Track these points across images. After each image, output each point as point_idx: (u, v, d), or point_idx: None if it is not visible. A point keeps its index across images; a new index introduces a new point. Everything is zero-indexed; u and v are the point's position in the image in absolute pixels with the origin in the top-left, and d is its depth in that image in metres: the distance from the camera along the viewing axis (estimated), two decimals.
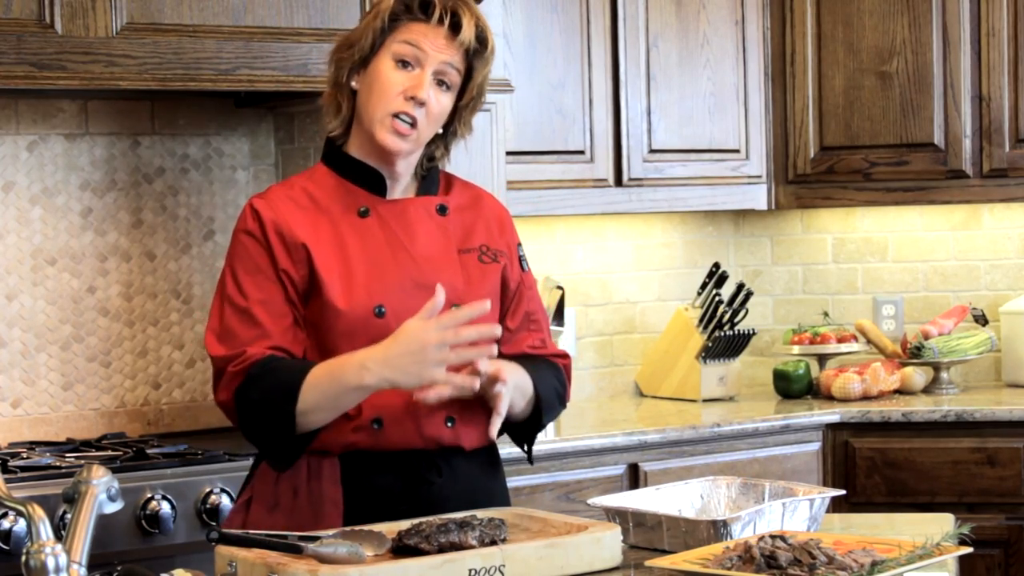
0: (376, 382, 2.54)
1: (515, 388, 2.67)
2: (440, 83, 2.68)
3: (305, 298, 2.66)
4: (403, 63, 2.66)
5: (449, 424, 2.69)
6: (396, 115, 2.65)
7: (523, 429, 2.81)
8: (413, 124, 2.66)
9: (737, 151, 4.78)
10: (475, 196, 2.83)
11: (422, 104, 2.65)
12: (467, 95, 2.72)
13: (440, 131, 2.75)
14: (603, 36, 4.51)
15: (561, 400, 2.84)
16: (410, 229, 2.71)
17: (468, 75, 2.71)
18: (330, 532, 2.40)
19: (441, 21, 2.65)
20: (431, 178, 2.79)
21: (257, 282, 2.66)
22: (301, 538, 2.37)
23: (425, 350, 2.50)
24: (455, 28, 2.66)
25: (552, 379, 2.80)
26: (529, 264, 2.89)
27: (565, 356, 2.88)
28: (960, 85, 4.72)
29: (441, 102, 2.68)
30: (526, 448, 2.87)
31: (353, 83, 2.71)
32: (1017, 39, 4.69)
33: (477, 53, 2.69)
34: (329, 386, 2.56)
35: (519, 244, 2.87)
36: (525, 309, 2.82)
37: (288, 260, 2.65)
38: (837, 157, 4.82)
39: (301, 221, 2.68)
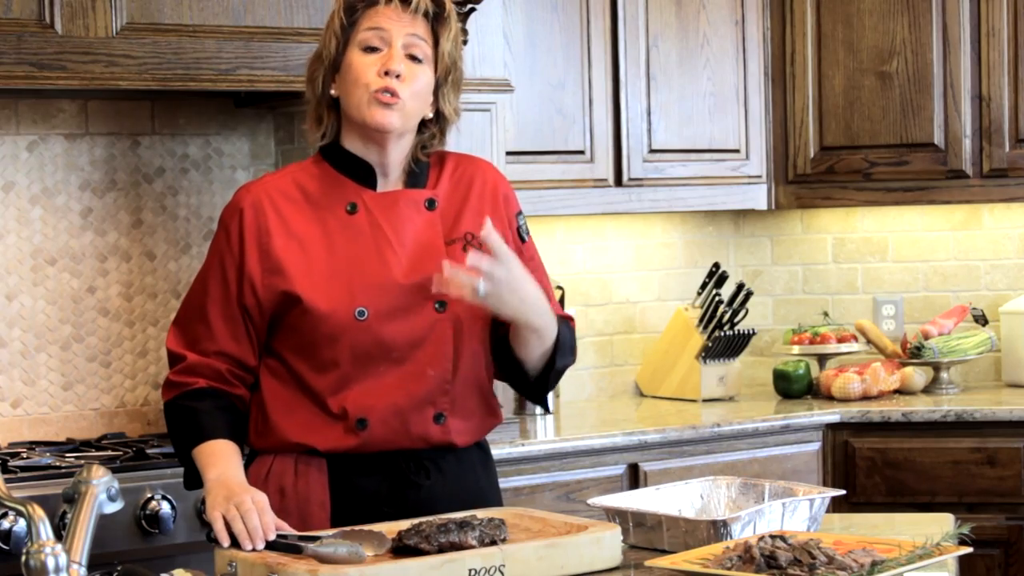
0: (208, 502, 2.58)
1: (537, 302, 2.64)
2: (412, 58, 2.68)
3: (279, 304, 2.67)
4: (371, 49, 2.67)
5: (438, 421, 2.69)
6: (376, 92, 2.65)
7: (536, 375, 2.76)
8: (395, 96, 2.66)
9: (737, 151, 4.78)
10: (467, 177, 2.80)
11: (398, 76, 2.65)
12: (440, 65, 2.71)
13: (430, 116, 2.74)
14: (603, 36, 4.51)
15: (572, 351, 2.80)
16: (398, 223, 2.70)
17: (437, 46, 2.71)
18: (330, 532, 2.41)
19: None
20: (419, 171, 2.77)
21: (219, 280, 2.71)
22: (301, 538, 2.37)
23: (228, 508, 2.47)
24: (407, 0, 2.68)
25: (564, 327, 2.76)
26: (530, 233, 2.87)
27: (571, 319, 2.85)
28: (960, 85, 4.72)
29: (418, 76, 2.68)
30: (536, 385, 2.80)
31: (332, 91, 2.72)
32: (1017, 39, 4.69)
33: (437, 17, 2.71)
34: (201, 468, 2.66)
35: (519, 213, 2.85)
36: None
37: (258, 266, 2.67)
38: (837, 157, 4.82)
39: (288, 216, 2.69)
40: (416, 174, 2.77)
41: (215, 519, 2.44)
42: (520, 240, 2.83)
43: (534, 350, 2.71)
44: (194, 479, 2.68)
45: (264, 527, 2.41)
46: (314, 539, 2.33)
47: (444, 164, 2.80)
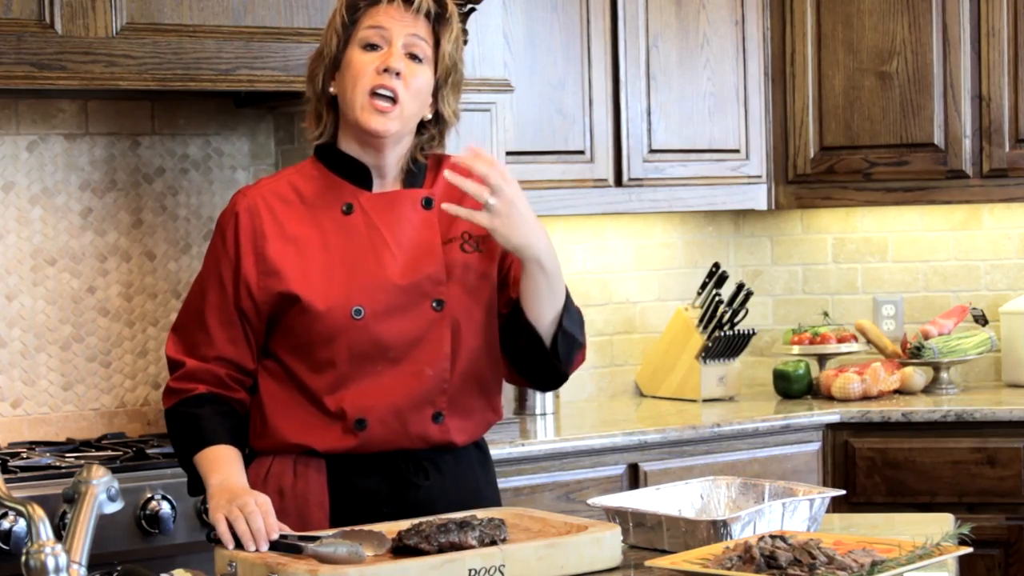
0: (210, 505, 2.57)
1: (544, 235, 2.64)
2: (412, 57, 2.68)
3: (276, 305, 2.67)
4: (371, 47, 2.67)
5: (437, 420, 2.69)
6: (374, 93, 2.64)
7: (551, 341, 2.72)
8: (394, 100, 2.65)
9: (737, 151, 4.78)
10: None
11: (397, 74, 2.64)
12: (440, 66, 2.71)
13: (429, 117, 2.74)
14: (603, 36, 4.51)
15: (581, 324, 2.76)
16: (394, 223, 2.70)
17: (438, 47, 2.71)
18: (330, 532, 2.41)
19: None
20: (417, 171, 2.77)
21: (216, 285, 2.71)
22: (301, 538, 2.37)
23: (231, 509, 2.47)
24: (409, 0, 2.68)
25: (571, 301, 2.74)
26: None
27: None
28: (960, 85, 4.72)
29: (417, 75, 2.67)
30: (552, 356, 2.73)
31: (331, 89, 2.72)
32: (1017, 39, 4.69)
33: (439, 18, 2.70)
34: (203, 474, 2.66)
35: None
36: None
37: (254, 268, 2.67)
38: (837, 157, 4.82)
39: (283, 219, 2.69)
40: (414, 174, 2.76)
41: (218, 520, 2.44)
42: None
43: (545, 302, 2.67)
44: (197, 486, 2.68)
45: (268, 528, 2.41)
46: (314, 539, 2.33)
47: (440, 165, 2.80)
